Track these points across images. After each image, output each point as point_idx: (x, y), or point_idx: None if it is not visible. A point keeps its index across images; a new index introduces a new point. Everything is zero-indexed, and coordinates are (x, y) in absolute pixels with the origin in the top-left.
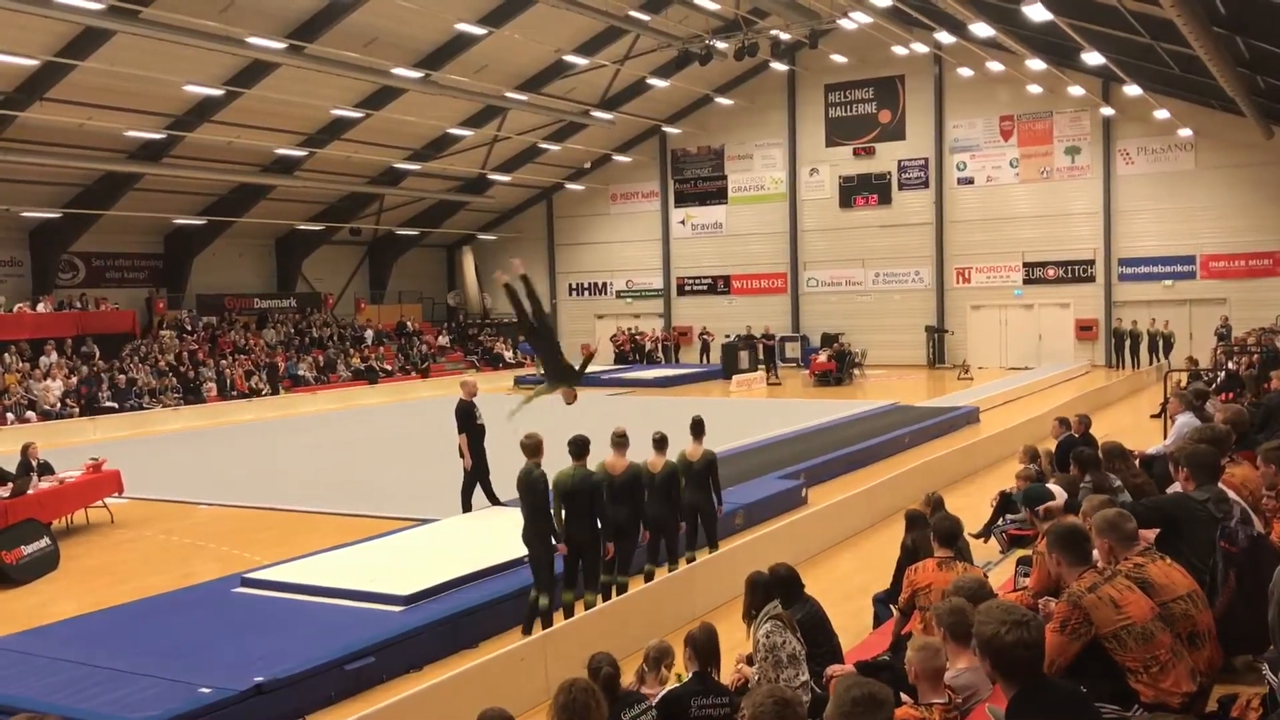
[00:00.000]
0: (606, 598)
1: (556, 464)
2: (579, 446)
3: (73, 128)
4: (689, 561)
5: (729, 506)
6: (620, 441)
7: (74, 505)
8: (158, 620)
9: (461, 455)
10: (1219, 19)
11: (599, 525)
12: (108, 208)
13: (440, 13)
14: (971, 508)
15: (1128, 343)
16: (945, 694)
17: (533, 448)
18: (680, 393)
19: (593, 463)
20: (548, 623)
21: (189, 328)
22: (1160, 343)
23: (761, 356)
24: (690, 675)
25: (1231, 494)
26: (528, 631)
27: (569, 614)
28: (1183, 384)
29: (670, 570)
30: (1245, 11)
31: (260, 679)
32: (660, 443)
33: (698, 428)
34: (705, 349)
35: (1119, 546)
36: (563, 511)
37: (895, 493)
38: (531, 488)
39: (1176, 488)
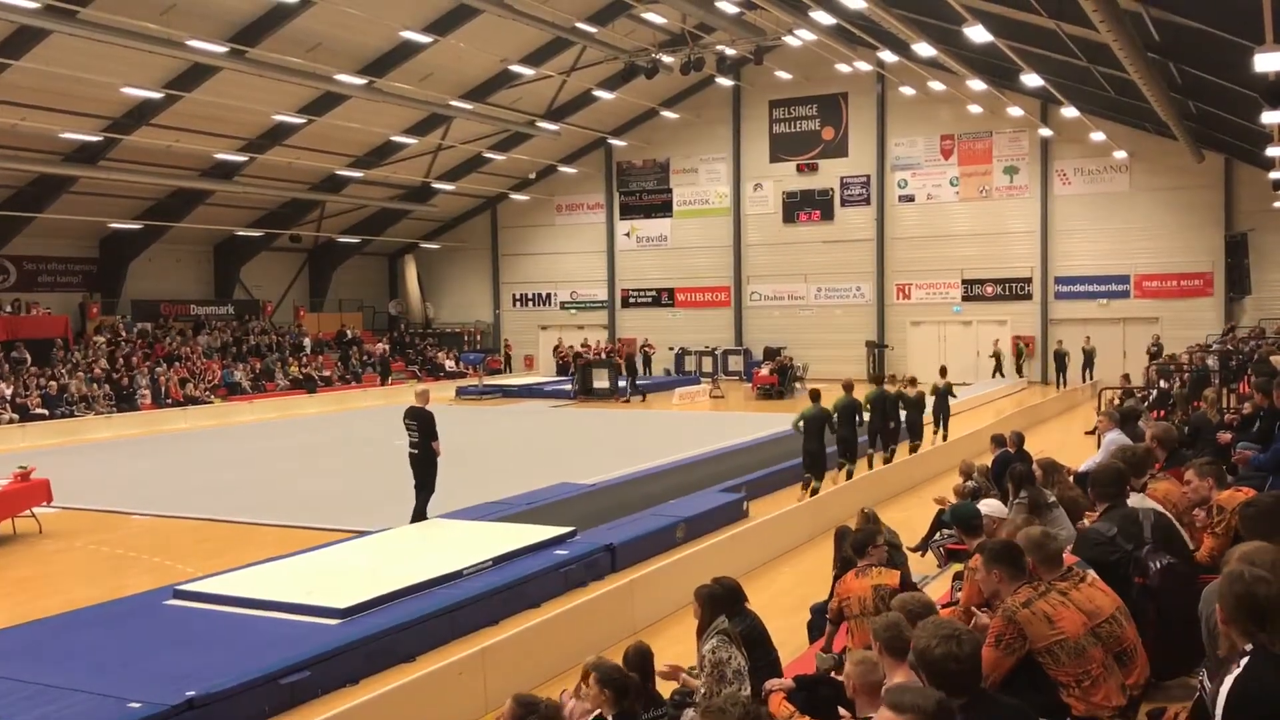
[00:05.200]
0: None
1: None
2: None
3: (6, 129)
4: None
5: (670, 520)
6: (914, 379)
7: (0, 515)
8: (87, 633)
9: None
10: (1153, 45)
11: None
12: (41, 210)
13: (385, 20)
14: (910, 521)
15: (1065, 359)
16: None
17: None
18: (621, 405)
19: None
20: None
21: (124, 334)
22: (1067, 360)
23: (624, 373)
24: None
25: (1156, 506)
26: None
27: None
28: (1115, 402)
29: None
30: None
31: (192, 693)
32: (912, 381)
33: (944, 371)
34: (647, 361)
35: (1042, 568)
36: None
37: (836, 506)
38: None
39: (1085, 523)
